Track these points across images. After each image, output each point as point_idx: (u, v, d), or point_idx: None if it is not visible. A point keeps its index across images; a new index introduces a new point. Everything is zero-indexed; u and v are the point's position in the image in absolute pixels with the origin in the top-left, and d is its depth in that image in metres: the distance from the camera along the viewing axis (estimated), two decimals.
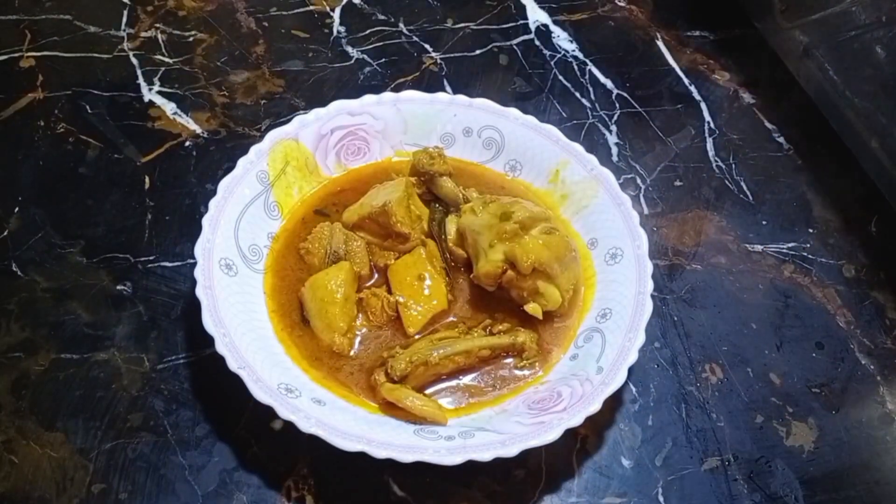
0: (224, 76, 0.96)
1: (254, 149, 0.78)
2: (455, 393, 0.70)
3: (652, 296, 0.72)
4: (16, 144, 0.87)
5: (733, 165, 0.94)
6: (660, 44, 1.07)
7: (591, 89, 1.00)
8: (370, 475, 0.67)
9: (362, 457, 0.61)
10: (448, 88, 0.97)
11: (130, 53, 0.97)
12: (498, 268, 0.71)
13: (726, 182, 0.92)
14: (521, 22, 1.07)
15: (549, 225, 0.73)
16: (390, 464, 0.62)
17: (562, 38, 1.06)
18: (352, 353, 0.71)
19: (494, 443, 0.63)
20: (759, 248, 0.86)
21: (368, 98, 0.83)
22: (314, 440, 0.62)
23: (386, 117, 0.84)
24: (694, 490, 0.69)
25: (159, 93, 0.93)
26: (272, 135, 0.79)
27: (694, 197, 0.90)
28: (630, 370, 0.67)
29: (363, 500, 0.67)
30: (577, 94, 0.99)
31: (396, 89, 0.95)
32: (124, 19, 1.01)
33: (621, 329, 0.70)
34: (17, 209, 0.82)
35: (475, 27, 1.05)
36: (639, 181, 0.91)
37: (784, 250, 0.87)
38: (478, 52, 1.02)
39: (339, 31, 1.03)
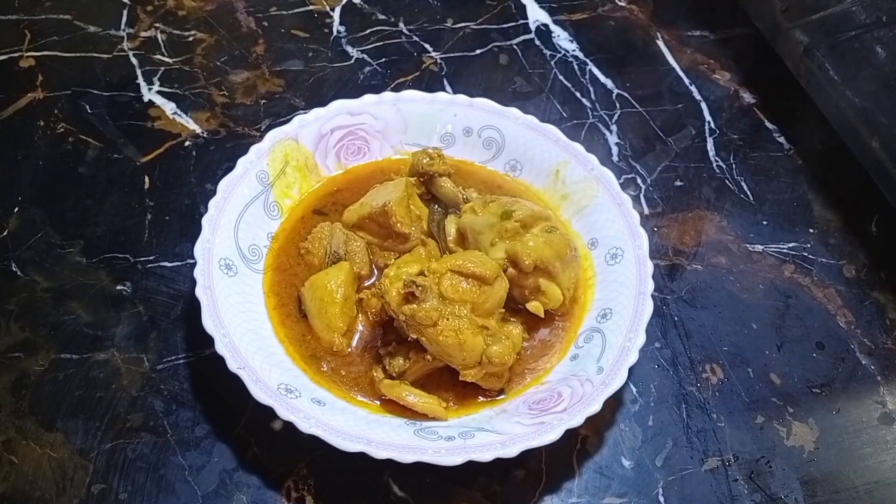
0: (224, 76, 0.96)
1: (254, 149, 0.78)
2: (455, 392, 0.70)
3: (652, 296, 0.72)
4: (16, 144, 0.87)
5: (733, 165, 0.94)
6: (660, 44, 1.07)
7: (591, 89, 1.00)
8: (370, 475, 0.67)
9: (362, 457, 0.61)
10: (448, 88, 0.97)
11: (130, 53, 0.97)
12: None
13: (726, 182, 0.92)
14: (522, 22, 1.07)
15: (550, 224, 0.73)
16: (390, 464, 0.62)
17: (562, 38, 1.05)
18: (351, 352, 0.71)
19: (494, 443, 0.63)
20: (759, 248, 0.86)
21: (368, 98, 0.83)
22: (314, 440, 0.62)
23: (386, 117, 0.84)
24: (694, 490, 0.69)
25: (159, 93, 0.93)
26: (272, 135, 0.79)
27: (694, 197, 0.90)
28: (630, 370, 0.67)
29: (363, 500, 0.66)
30: (578, 94, 0.99)
31: (396, 89, 0.95)
32: (124, 19, 1.00)
33: (622, 329, 0.70)
34: (17, 209, 0.82)
35: (475, 27, 1.05)
36: (639, 181, 0.91)
37: (784, 250, 0.86)
38: (478, 51, 1.02)
39: (338, 31, 1.03)
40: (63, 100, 0.91)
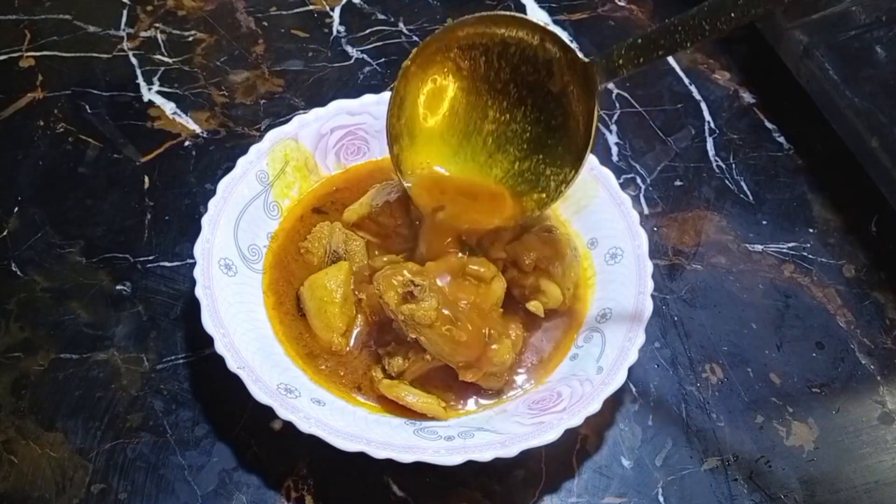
0: (224, 76, 0.96)
1: (253, 148, 0.78)
2: (455, 392, 0.70)
3: (652, 296, 0.72)
4: (15, 144, 0.87)
5: (733, 165, 0.94)
6: None
7: None
8: (370, 475, 0.67)
9: (362, 457, 0.61)
10: None
11: (130, 53, 0.97)
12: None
13: (726, 182, 0.92)
14: None
15: (549, 223, 0.73)
16: (390, 464, 0.62)
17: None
18: (350, 352, 0.71)
19: (494, 443, 0.63)
20: (759, 247, 0.86)
21: (368, 98, 0.83)
22: (314, 440, 0.62)
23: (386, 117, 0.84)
24: (694, 490, 0.69)
25: (159, 92, 0.93)
26: (272, 135, 0.79)
27: (694, 197, 0.90)
28: (630, 370, 0.67)
29: (363, 500, 0.66)
30: None
31: None
32: (124, 19, 1.00)
33: (621, 329, 0.70)
34: (16, 209, 0.82)
35: None
36: (639, 181, 0.91)
37: (784, 250, 0.86)
38: None
39: (338, 31, 1.03)
40: (63, 100, 0.91)
